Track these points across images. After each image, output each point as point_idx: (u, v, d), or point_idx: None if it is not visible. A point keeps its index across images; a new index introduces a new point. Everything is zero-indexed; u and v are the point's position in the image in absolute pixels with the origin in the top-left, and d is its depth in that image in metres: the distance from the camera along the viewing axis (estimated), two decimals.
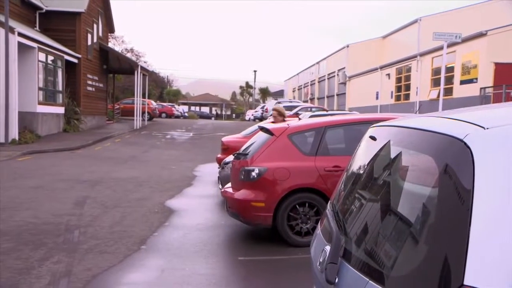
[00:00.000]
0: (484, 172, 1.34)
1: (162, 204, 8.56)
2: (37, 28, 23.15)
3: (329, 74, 45.17)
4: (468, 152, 1.39)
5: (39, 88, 20.28)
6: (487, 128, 1.45)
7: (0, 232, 6.34)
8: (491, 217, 1.29)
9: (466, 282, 1.23)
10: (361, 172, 2.26)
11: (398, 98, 29.63)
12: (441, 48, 18.26)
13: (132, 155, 16.56)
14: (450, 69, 22.08)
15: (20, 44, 18.03)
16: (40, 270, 4.99)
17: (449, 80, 22.29)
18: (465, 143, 1.42)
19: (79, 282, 4.69)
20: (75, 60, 24.34)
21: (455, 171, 1.42)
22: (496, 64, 19.99)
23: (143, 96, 31.97)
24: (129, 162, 14.77)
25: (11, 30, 17.37)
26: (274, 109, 8.96)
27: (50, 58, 21.53)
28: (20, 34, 17.94)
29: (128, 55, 44.85)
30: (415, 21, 30.86)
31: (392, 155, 1.99)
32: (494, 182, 1.33)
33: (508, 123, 1.47)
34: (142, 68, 30.21)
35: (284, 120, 8.26)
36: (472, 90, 20.74)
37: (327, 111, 24.07)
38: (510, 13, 25.94)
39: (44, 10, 23.45)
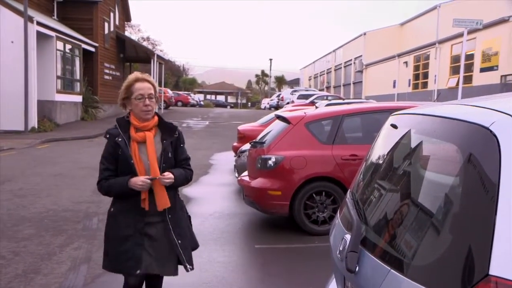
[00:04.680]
0: (511, 161, 1.31)
1: None
2: (55, 17, 23.33)
3: (345, 62, 44.69)
4: (494, 140, 1.36)
5: (58, 77, 20.48)
6: None
7: (22, 218, 6.48)
8: None
9: (492, 272, 1.21)
10: (381, 161, 2.24)
11: (415, 86, 29.22)
12: (460, 35, 17.88)
13: None
14: (469, 57, 21.64)
15: (38, 33, 18.20)
16: (61, 255, 5.09)
17: (469, 67, 21.86)
18: (491, 131, 1.38)
19: (99, 268, 4.75)
20: (92, 49, 24.50)
21: (480, 159, 1.39)
22: None
23: (159, 85, 32.10)
24: None
25: (30, 19, 17.54)
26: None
27: (68, 47, 21.71)
28: (38, 23, 18.10)
29: (144, 43, 45.05)
30: (434, 8, 30.28)
31: (414, 144, 1.96)
32: None
33: None
34: (158, 56, 30.31)
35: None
36: (492, 78, 20.31)
37: (343, 99, 23.79)
38: None
39: None
